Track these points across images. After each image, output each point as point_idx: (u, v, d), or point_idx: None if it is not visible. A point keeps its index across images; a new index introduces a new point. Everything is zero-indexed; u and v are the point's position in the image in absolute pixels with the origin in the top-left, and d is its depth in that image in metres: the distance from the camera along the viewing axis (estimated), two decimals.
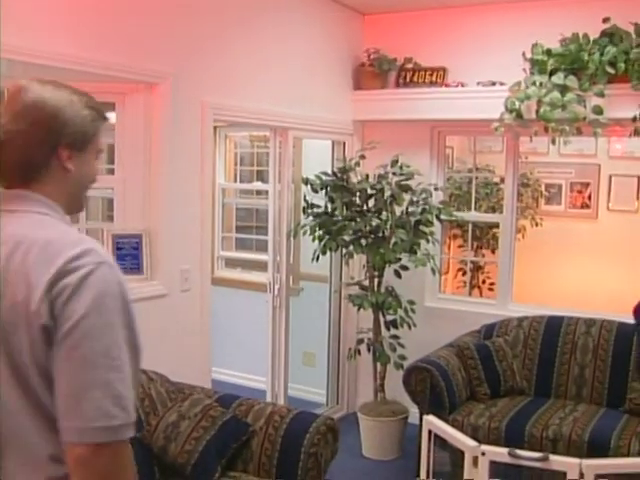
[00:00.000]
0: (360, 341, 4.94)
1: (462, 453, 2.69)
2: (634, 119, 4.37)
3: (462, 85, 5.04)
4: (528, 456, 2.64)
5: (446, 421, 3.11)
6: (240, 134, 6.88)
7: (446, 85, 5.12)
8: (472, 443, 2.69)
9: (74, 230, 1.60)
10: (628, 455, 3.69)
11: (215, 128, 6.34)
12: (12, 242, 1.46)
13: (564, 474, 2.54)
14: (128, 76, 3.58)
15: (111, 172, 3.94)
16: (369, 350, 4.92)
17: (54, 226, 1.53)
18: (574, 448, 3.79)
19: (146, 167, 3.84)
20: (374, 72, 5.31)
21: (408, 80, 5.30)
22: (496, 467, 2.62)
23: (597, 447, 3.75)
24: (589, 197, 7.09)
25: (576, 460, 2.57)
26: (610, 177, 6.95)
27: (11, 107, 1.55)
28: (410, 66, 5.30)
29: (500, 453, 2.64)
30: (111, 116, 3.92)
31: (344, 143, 5.46)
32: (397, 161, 4.75)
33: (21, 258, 1.43)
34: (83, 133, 1.58)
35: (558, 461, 2.61)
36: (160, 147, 3.82)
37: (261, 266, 5.59)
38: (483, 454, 2.62)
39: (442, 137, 5.40)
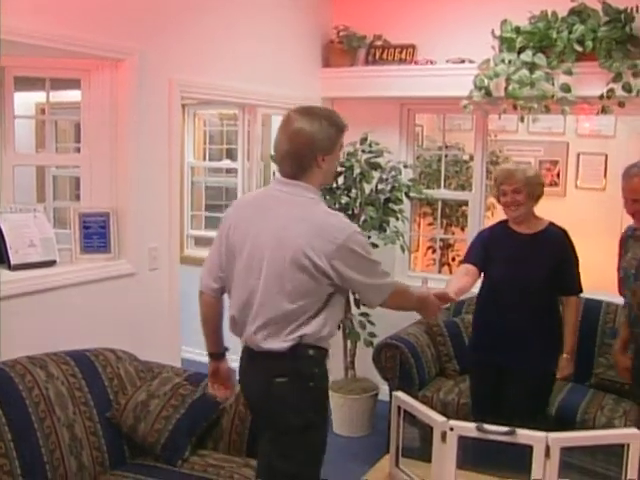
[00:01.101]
0: None
1: (431, 429, 2.71)
2: (601, 97, 4.39)
3: (431, 63, 5.03)
4: (495, 430, 2.66)
5: (415, 397, 3.13)
6: (209, 112, 6.81)
7: (415, 62, 5.11)
8: (440, 418, 2.70)
9: (331, 213, 2.63)
10: (594, 428, 3.75)
11: (184, 106, 6.29)
12: (288, 217, 2.56)
13: (531, 448, 2.56)
14: (93, 52, 3.53)
15: (78, 151, 3.89)
16: (339, 327, 4.91)
17: (318, 206, 2.60)
18: (541, 422, 3.84)
19: (112, 145, 3.80)
20: (343, 49, 5.28)
21: (377, 57, 5.27)
22: (464, 442, 2.64)
23: (564, 421, 3.81)
24: (557, 175, 7.15)
25: (542, 434, 2.59)
26: (578, 155, 7.01)
27: (284, 132, 2.61)
28: (379, 43, 5.28)
29: (468, 428, 2.66)
30: (76, 93, 3.87)
31: None
32: (366, 139, 4.74)
33: (295, 228, 2.52)
34: (330, 143, 2.58)
35: (525, 435, 2.63)
36: (126, 125, 3.78)
37: None
38: (451, 429, 2.64)
39: (411, 115, 5.40)
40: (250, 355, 2.72)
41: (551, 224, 3.67)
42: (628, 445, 2.62)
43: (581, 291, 3.62)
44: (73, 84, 3.83)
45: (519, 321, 3.53)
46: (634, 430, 2.69)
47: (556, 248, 3.58)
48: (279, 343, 2.57)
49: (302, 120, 2.56)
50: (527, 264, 3.54)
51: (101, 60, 3.67)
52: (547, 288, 3.54)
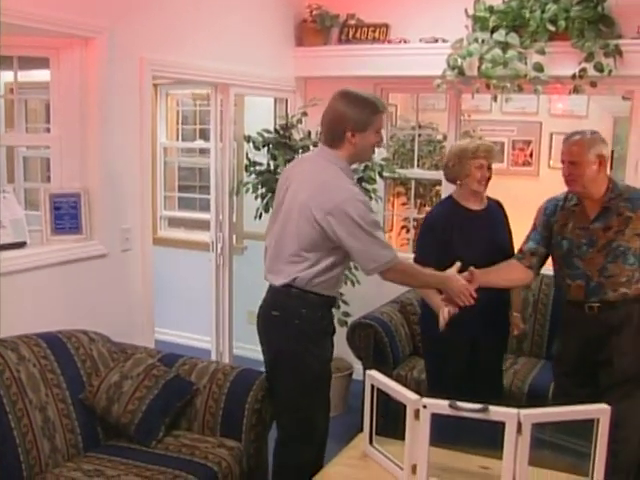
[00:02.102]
0: None
1: (404, 407, 2.72)
2: (574, 77, 4.41)
3: (405, 42, 5.02)
4: (468, 408, 2.67)
5: (390, 376, 3.12)
6: (182, 92, 6.76)
7: (389, 42, 5.10)
8: (413, 396, 2.71)
9: (342, 179, 2.97)
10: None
11: (156, 86, 6.23)
12: (304, 177, 3.03)
13: (503, 424, 2.58)
14: (62, 30, 3.46)
15: (48, 131, 3.85)
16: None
17: (333, 171, 2.97)
18: (514, 399, 3.89)
19: (83, 125, 3.75)
20: (316, 28, 5.26)
21: (350, 36, 5.26)
22: (438, 419, 2.66)
23: (536, 398, 3.86)
24: (531, 155, 7.17)
25: (514, 410, 2.61)
26: (551, 135, 7.04)
27: (326, 107, 3.06)
28: (352, 22, 5.25)
29: (441, 405, 2.67)
30: (46, 73, 3.81)
31: (286, 100, 5.42)
32: None
33: (308, 184, 2.98)
34: (361, 122, 2.95)
35: (497, 412, 2.64)
36: (97, 105, 3.73)
37: (205, 225, 5.54)
38: (425, 407, 2.65)
39: (385, 94, 5.39)
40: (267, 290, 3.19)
41: (487, 197, 3.80)
42: (598, 420, 2.65)
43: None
44: (42, 63, 3.77)
45: (496, 296, 3.61)
46: (603, 405, 2.73)
47: (504, 218, 3.82)
48: (279, 280, 3.04)
49: (339, 99, 3.01)
50: (496, 238, 3.70)
51: (70, 38, 3.61)
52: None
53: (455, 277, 3.21)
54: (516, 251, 3.60)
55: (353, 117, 2.95)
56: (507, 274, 3.50)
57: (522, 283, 3.68)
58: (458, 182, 3.72)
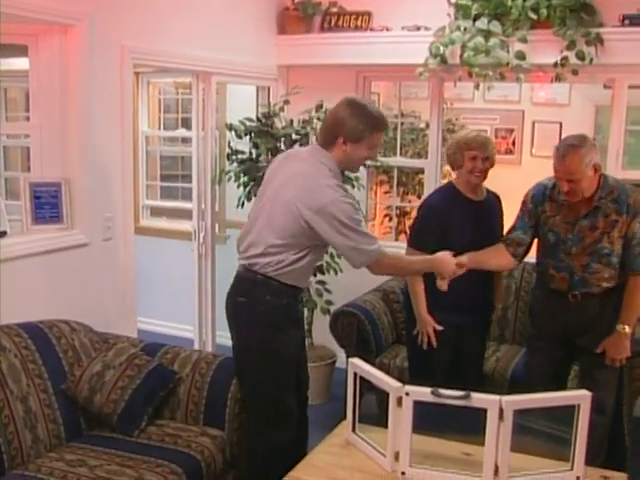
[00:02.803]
0: None
1: (387, 394, 2.73)
2: (555, 65, 4.43)
3: (387, 29, 5.00)
4: (451, 395, 2.69)
5: (373, 364, 3.14)
6: (164, 80, 6.72)
7: (371, 29, 5.08)
8: (396, 384, 2.72)
9: (330, 179, 2.98)
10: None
11: (137, 74, 6.19)
12: (294, 171, 3.06)
13: (485, 411, 2.60)
14: (40, 17, 3.43)
15: (28, 119, 3.81)
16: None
17: (320, 170, 2.99)
18: (497, 386, 3.91)
19: (63, 113, 3.71)
20: (298, 16, 5.23)
21: (333, 24, 5.24)
22: (420, 407, 2.67)
23: (518, 384, 3.87)
24: (513, 143, 7.20)
25: (496, 397, 2.63)
26: (533, 123, 7.07)
27: (332, 108, 3.13)
28: (335, 10, 5.23)
29: (423, 393, 2.68)
30: (24, 61, 3.78)
31: (268, 88, 5.40)
32: (322, 106, 4.71)
33: (294, 180, 3.01)
34: (356, 133, 2.98)
35: (479, 399, 2.66)
36: (77, 93, 3.70)
37: (187, 215, 5.52)
38: (407, 394, 2.66)
39: (367, 82, 5.38)
40: None
41: (486, 189, 3.82)
42: (579, 406, 2.67)
43: None
44: (21, 51, 3.73)
45: (481, 282, 3.67)
46: (584, 391, 2.74)
47: (500, 210, 3.84)
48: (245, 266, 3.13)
49: (344, 105, 3.06)
50: (489, 230, 3.71)
51: (49, 25, 3.57)
52: None
53: (444, 258, 3.25)
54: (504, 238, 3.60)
55: (350, 126, 2.98)
56: (494, 258, 3.53)
57: (505, 269, 3.78)
58: (456, 170, 3.75)
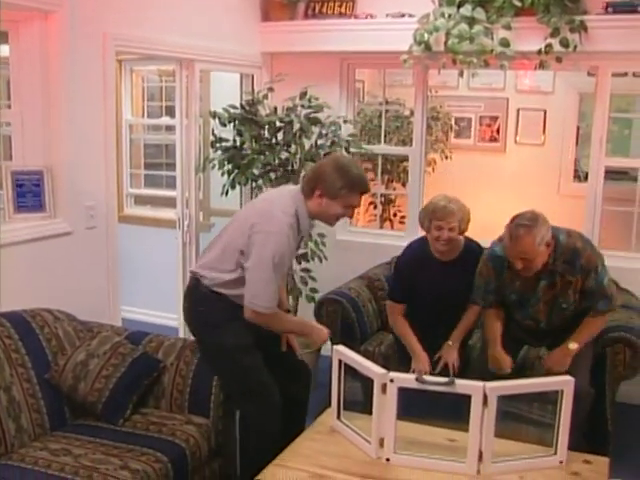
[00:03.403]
0: None
1: (372, 381, 2.73)
2: (539, 52, 4.43)
3: (371, 16, 4.99)
4: (435, 381, 2.71)
5: (358, 352, 3.15)
6: (147, 68, 6.67)
7: (355, 16, 5.06)
8: (380, 371, 2.73)
9: (290, 216, 3.08)
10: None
11: (120, 62, 6.14)
12: (265, 197, 3.46)
13: (469, 397, 2.61)
14: (20, 3, 3.40)
15: (9, 107, 3.78)
16: None
17: (284, 210, 3.09)
18: (481, 372, 3.92)
19: (45, 101, 3.68)
20: (282, 3, 5.20)
21: (317, 11, 5.21)
22: (405, 393, 2.68)
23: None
24: (497, 131, 7.21)
25: (480, 383, 2.65)
26: (518, 111, 7.07)
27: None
28: None
29: (408, 379, 2.70)
30: (4, 47, 3.74)
31: (252, 76, 5.37)
32: (306, 93, 4.70)
33: (259, 205, 3.25)
34: (331, 190, 3.08)
35: (463, 385, 2.68)
36: (59, 80, 3.67)
37: (172, 203, 5.49)
38: (392, 381, 2.67)
39: (352, 70, 5.37)
40: None
41: (467, 240, 3.93)
42: (562, 391, 2.69)
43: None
44: (1, 37, 3.70)
45: (442, 330, 3.89)
46: (567, 377, 2.77)
47: (472, 267, 3.76)
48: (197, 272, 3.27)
49: (328, 160, 3.34)
50: (454, 289, 3.83)
51: (30, 11, 3.53)
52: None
53: (318, 328, 3.35)
54: (480, 301, 3.74)
55: (329, 181, 3.08)
56: (500, 325, 3.66)
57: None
58: (426, 234, 3.88)
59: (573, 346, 3.43)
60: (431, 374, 3.55)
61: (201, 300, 3.23)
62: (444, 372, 3.69)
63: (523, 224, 3.24)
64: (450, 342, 3.83)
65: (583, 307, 3.48)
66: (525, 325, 3.67)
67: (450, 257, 3.87)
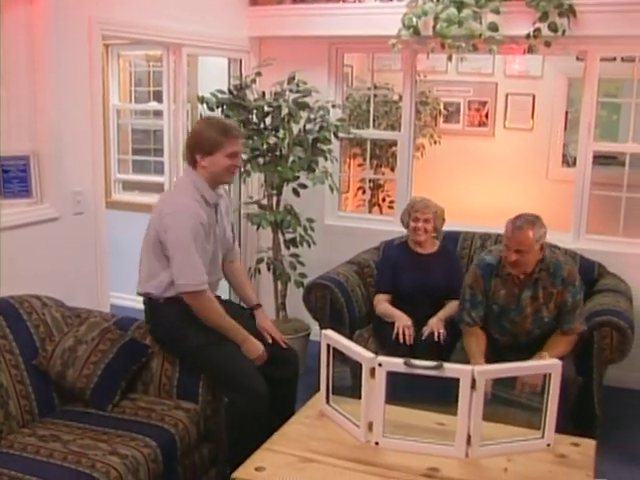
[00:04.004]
0: (260, 260, 4.94)
1: (361, 366, 2.74)
2: (528, 36, 4.42)
3: (359, 1, 4.97)
4: (423, 365, 2.71)
5: (348, 337, 3.16)
6: (134, 53, 6.62)
7: (343, 1, 5.03)
8: (369, 355, 2.73)
9: (184, 195, 3.19)
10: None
11: (107, 46, 6.10)
12: (162, 201, 3.34)
13: (458, 380, 2.62)
14: None
15: None
16: (269, 269, 4.93)
17: (184, 190, 3.23)
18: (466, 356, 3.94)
19: (31, 86, 3.66)
20: None
21: None
22: (393, 377, 2.68)
23: None
24: (486, 115, 7.20)
25: (468, 367, 2.66)
26: (507, 96, 7.07)
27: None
28: None
29: (396, 363, 2.70)
30: None
31: (240, 60, 5.34)
32: (294, 78, 4.67)
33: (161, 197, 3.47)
34: (207, 145, 3.17)
35: (452, 368, 2.68)
36: (44, 65, 3.65)
37: (160, 188, 5.47)
38: (380, 365, 2.67)
39: (340, 54, 5.34)
40: None
41: (444, 238, 4.38)
42: (549, 375, 2.70)
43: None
44: None
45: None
46: (555, 360, 2.78)
47: (450, 261, 4.30)
48: (138, 289, 3.39)
49: (200, 122, 3.50)
50: (432, 281, 4.15)
51: None
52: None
53: (252, 341, 3.29)
54: (465, 318, 3.75)
55: (203, 137, 3.20)
56: (481, 344, 3.67)
57: None
58: (406, 229, 4.29)
59: (546, 355, 3.44)
60: (417, 341, 3.85)
61: (159, 312, 3.31)
62: (429, 340, 3.85)
63: (526, 219, 3.48)
64: (435, 317, 4.00)
65: (557, 322, 3.62)
66: (503, 342, 3.76)
67: (429, 251, 4.26)
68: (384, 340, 4.02)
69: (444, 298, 4.11)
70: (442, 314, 4.01)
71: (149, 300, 3.32)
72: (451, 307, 4.02)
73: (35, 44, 3.62)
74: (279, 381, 3.35)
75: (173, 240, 3.10)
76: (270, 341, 3.45)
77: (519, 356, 3.64)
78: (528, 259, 3.48)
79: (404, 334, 3.85)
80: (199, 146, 3.20)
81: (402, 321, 3.91)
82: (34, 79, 3.65)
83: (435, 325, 3.91)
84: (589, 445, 2.79)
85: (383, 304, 4.17)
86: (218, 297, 3.44)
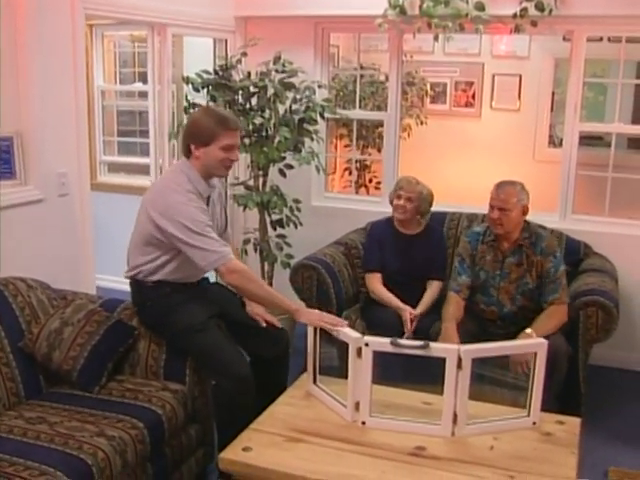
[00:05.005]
0: (246, 241, 4.93)
1: (347, 346, 2.74)
2: (515, 16, 4.41)
3: None
4: (410, 345, 2.72)
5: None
6: (119, 33, 6.56)
7: None
8: (355, 335, 2.74)
9: (179, 185, 3.11)
10: None
11: (91, 27, 6.04)
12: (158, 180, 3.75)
13: (444, 360, 2.63)
14: None
15: None
16: (256, 250, 4.92)
17: (175, 180, 3.13)
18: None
19: (13, 67, 3.60)
20: None
21: None
22: (380, 357, 2.69)
23: None
24: (473, 96, 7.20)
25: (454, 346, 2.67)
26: (493, 76, 7.06)
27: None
28: None
29: (383, 343, 2.70)
30: None
31: (226, 41, 5.31)
32: (280, 58, 4.64)
33: (151, 189, 3.29)
34: (203, 136, 3.09)
35: (438, 348, 2.70)
36: (27, 45, 3.59)
37: (146, 170, 5.45)
38: (367, 345, 2.68)
39: (326, 34, 5.31)
40: None
41: (431, 220, 4.42)
42: (535, 354, 2.72)
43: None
44: None
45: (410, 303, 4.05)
46: (540, 340, 2.79)
47: (437, 244, 4.31)
48: (127, 272, 3.37)
49: (197, 112, 3.44)
50: (416, 261, 4.19)
51: None
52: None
53: (305, 311, 3.21)
54: (453, 285, 3.88)
55: (199, 128, 3.12)
56: (458, 311, 3.79)
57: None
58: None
59: (531, 332, 3.48)
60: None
61: (146, 295, 3.29)
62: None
63: (511, 181, 3.75)
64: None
65: (542, 295, 3.71)
66: (489, 313, 3.83)
67: (413, 231, 4.27)
68: (371, 321, 4.04)
69: (426, 278, 4.17)
70: (422, 306, 4.04)
71: (136, 283, 3.31)
72: (433, 291, 4.12)
73: (17, 24, 3.56)
74: (270, 361, 3.38)
75: (181, 234, 3.03)
76: (264, 324, 3.44)
77: (504, 329, 3.72)
78: (510, 217, 3.65)
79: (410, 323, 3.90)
80: (194, 136, 3.13)
81: (408, 311, 3.93)
82: (16, 60, 3.59)
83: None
84: (574, 423, 2.82)
85: (378, 287, 4.16)
86: (207, 279, 3.44)
